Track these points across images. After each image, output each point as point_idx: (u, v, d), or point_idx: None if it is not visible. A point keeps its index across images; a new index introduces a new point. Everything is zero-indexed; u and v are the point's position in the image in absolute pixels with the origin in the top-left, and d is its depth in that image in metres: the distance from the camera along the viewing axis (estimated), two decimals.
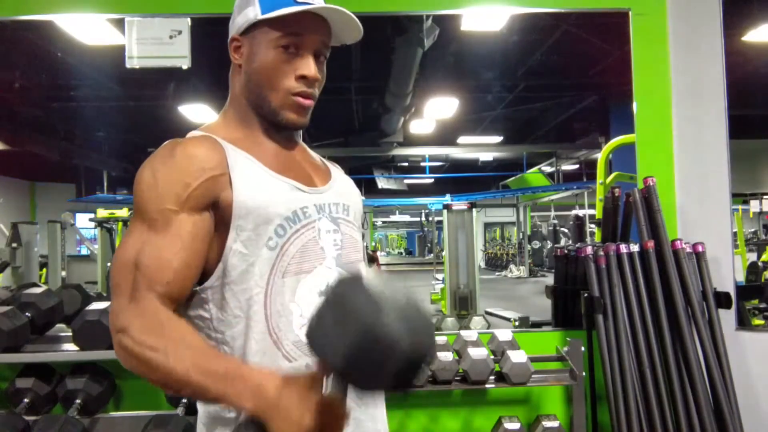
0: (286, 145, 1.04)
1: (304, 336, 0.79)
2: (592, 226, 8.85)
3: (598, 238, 3.05)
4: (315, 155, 1.13)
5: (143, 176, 0.91)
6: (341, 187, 1.08)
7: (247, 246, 0.92)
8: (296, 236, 0.95)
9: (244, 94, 1.01)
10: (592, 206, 10.53)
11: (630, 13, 2.57)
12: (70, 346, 2.17)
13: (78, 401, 2.12)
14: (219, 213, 0.92)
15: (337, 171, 1.12)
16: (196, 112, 7.93)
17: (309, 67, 0.98)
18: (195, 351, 0.81)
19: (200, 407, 0.97)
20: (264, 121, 1.02)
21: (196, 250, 0.89)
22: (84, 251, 10.21)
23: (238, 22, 1.00)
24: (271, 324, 0.92)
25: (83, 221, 8.81)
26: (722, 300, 2.23)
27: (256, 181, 0.94)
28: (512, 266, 15.42)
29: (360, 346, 0.66)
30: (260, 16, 0.96)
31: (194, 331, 0.87)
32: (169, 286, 0.85)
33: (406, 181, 15.72)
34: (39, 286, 2.60)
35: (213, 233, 0.92)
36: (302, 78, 0.98)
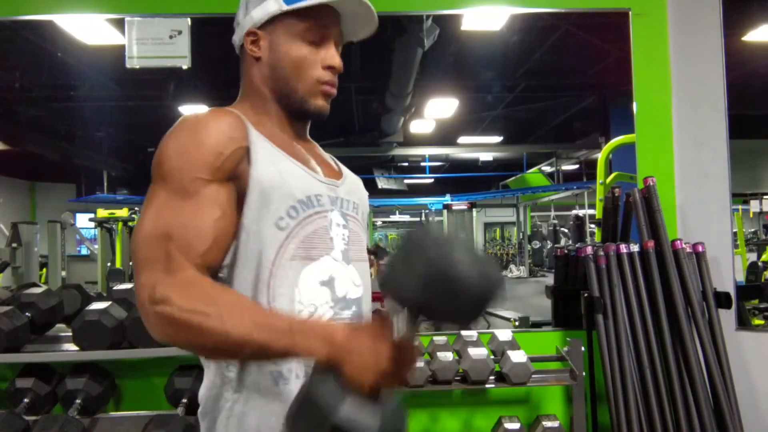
0: (299, 139, 1.05)
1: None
2: (592, 226, 8.85)
3: (598, 238, 3.05)
4: (326, 154, 1.13)
5: (169, 146, 0.89)
6: (352, 185, 1.09)
7: (258, 223, 0.90)
8: (308, 221, 0.94)
9: (267, 85, 1.01)
10: (592, 206, 10.52)
11: (630, 13, 2.57)
12: (70, 346, 2.17)
13: (78, 401, 2.12)
14: (237, 187, 0.91)
15: (347, 170, 1.13)
16: (196, 112, 7.91)
17: (335, 57, 1.01)
18: (253, 312, 0.81)
19: (201, 401, 0.96)
20: (284, 112, 1.02)
21: (232, 217, 0.89)
22: (84, 251, 10.20)
23: (254, 16, 0.99)
24: (273, 307, 0.91)
25: (83, 221, 8.81)
26: (722, 300, 2.23)
27: (272, 161, 0.93)
28: (512, 266, 15.41)
29: (436, 278, 0.73)
30: (285, 8, 0.97)
31: (244, 296, 0.87)
32: (205, 257, 0.85)
33: (406, 181, 15.71)
34: (39, 286, 2.60)
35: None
36: (329, 68, 1.01)
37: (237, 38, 1.04)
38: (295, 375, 0.91)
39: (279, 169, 0.93)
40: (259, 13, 0.99)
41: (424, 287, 0.74)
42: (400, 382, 0.80)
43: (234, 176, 0.90)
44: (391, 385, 0.79)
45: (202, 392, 0.95)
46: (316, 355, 0.78)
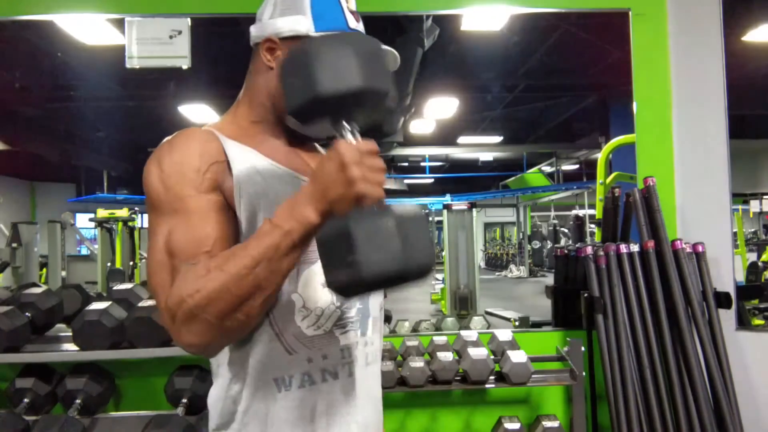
0: (294, 142, 1.04)
1: (307, 324, 0.90)
2: (592, 226, 8.85)
3: (598, 238, 3.05)
4: (324, 152, 1.12)
5: (151, 175, 0.90)
6: None
7: (250, 234, 0.89)
8: None
9: (270, 99, 0.99)
10: (592, 206, 10.53)
11: (630, 13, 2.57)
12: (70, 346, 2.17)
13: (78, 401, 2.12)
14: (225, 200, 0.91)
15: None
16: (196, 112, 7.92)
17: None
18: (241, 244, 0.82)
19: (210, 411, 0.96)
20: (279, 126, 1.01)
21: (228, 219, 0.89)
22: (84, 251, 10.21)
23: (279, 25, 0.96)
24: (272, 315, 0.90)
25: (83, 221, 8.81)
26: (722, 300, 2.23)
27: (256, 171, 0.93)
28: (512, 266, 15.43)
29: (323, 66, 0.76)
30: (314, 33, 0.94)
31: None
32: (209, 254, 0.84)
33: (406, 181, 15.72)
34: (39, 286, 2.60)
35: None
36: None
37: (255, 35, 1.01)
38: (298, 382, 0.91)
39: (263, 178, 0.93)
40: (285, 26, 0.96)
41: (318, 80, 0.76)
42: (382, 176, 0.80)
43: (218, 189, 0.90)
44: (378, 182, 0.79)
45: (211, 401, 0.95)
46: (308, 218, 0.79)
